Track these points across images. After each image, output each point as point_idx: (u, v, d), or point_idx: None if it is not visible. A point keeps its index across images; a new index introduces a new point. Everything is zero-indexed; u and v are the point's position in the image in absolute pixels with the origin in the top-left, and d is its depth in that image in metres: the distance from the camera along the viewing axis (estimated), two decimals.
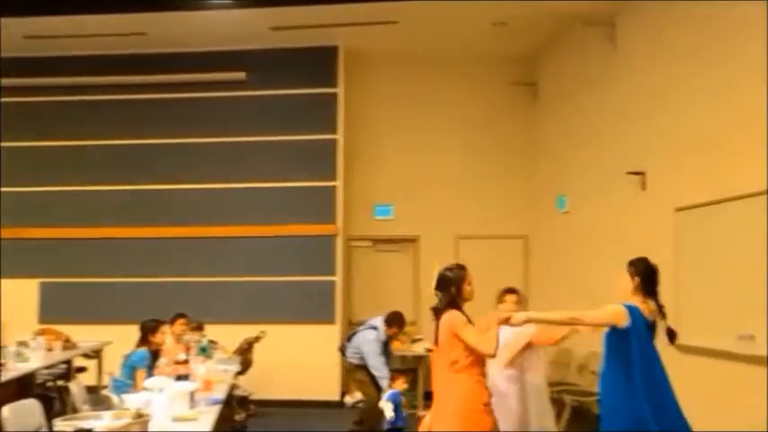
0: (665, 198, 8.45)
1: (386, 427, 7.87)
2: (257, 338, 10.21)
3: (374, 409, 8.60)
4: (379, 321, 8.74)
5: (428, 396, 10.80)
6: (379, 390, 8.45)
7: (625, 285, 5.54)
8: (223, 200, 11.46)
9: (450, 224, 12.15)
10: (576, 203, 10.80)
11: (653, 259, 8.51)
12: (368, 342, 8.62)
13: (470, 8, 9.91)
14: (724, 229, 7.44)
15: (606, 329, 5.40)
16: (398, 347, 10.76)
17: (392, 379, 8.22)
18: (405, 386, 8.16)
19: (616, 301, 5.45)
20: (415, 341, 11.10)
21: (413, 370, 11.15)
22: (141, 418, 4.21)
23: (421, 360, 10.95)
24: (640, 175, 8.97)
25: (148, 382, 5.58)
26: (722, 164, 7.51)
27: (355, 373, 8.83)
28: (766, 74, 6.79)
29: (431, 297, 11.81)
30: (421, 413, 10.52)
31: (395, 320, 8.75)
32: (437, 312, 5.45)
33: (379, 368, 8.46)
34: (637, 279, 5.53)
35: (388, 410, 7.87)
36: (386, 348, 8.79)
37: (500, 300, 7.41)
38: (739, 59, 7.26)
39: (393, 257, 12.38)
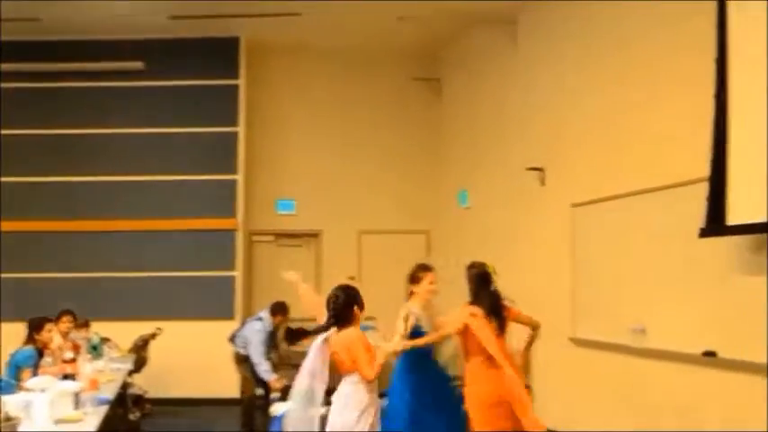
0: (563, 194, 8.58)
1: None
2: (153, 336, 9.93)
3: (249, 407, 8.53)
4: (264, 312, 8.69)
5: (329, 393, 10.77)
6: (260, 386, 8.59)
7: None
8: (120, 192, 11.10)
9: (353, 219, 12.08)
10: (477, 199, 10.86)
11: (552, 254, 8.69)
12: (253, 332, 8.64)
13: (375, 2, 9.84)
14: (618, 225, 7.58)
15: None
16: (305, 344, 10.65)
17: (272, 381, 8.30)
18: (280, 385, 8.11)
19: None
20: None
21: None
22: (10, 421, 3.97)
23: None
24: (539, 171, 9.08)
25: (30, 383, 5.35)
26: (617, 161, 7.65)
27: (240, 365, 8.76)
28: (655, 70, 6.95)
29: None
30: (323, 410, 10.46)
31: (278, 309, 8.75)
32: None
33: (257, 358, 8.46)
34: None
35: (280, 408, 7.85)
36: (272, 339, 8.77)
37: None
38: (633, 57, 7.41)
39: (295, 252, 12.24)
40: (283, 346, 9.83)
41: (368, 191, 12.14)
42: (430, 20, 10.65)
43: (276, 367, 8.60)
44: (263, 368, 8.42)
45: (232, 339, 8.90)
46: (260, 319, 8.70)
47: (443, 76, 12.20)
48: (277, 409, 7.84)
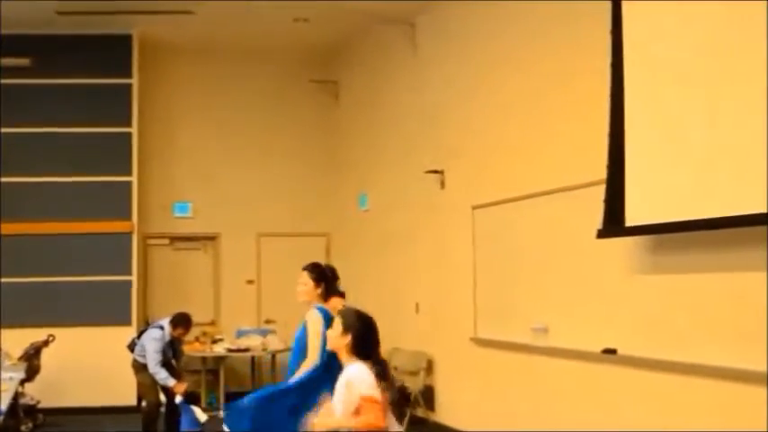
0: (463, 196, 8.69)
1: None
2: (46, 343, 9.58)
3: (152, 413, 8.36)
4: (166, 321, 8.52)
5: (230, 397, 10.63)
6: (161, 393, 8.38)
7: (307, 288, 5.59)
8: (10, 194, 10.59)
9: (252, 222, 11.95)
10: (377, 202, 10.91)
11: (453, 256, 8.79)
12: (150, 340, 8.39)
13: (270, 2, 9.73)
14: (518, 226, 7.73)
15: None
16: (199, 348, 10.50)
17: (175, 386, 8.16)
18: (183, 389, 8.14)
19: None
20: (215, 341, 10.84)
21: (214, 371, 10.90)
22: None
23: (222, 360, 10.71)
24: (439, 174, 9.17)
25: None
26: (517, 163, 7.80)
27: (138, 373, 8.57)
28: (552, 74, 7.11)
29: (231, 297, 11.63)
30: (222, 414, 10.32)
31: (180, 321, 8.51)
32: None
33: (153, 367, 8.25)
34: (321, 285, 5.60)
35: (200, 415, 7.86)
36: (172, 348, 8.58)
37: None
38: (530, 60, 7.57)
39: (193, 256, 12.02)
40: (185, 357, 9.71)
41: (266, 194, 12.03)
42: (326, 21, 10.61)
43: (178, 375, 8.41)
44: (162, 376, 8.24)
45: (131, 347, 8.66)
46: (161, 327, 8.48)
47: (341, 78, 12.19)
48: (202, 416, 7.80)
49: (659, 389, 5.93)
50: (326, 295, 5.65)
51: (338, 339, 4.22)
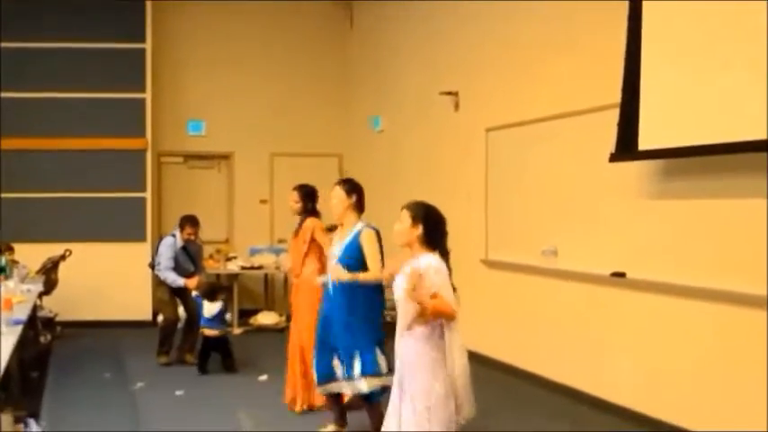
0: (477, 118, 8.67)
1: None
2: (63, 257, 9.75)
3: (169, 328, 8.52)
4: (176, 229, 8.70)
5: (243, 314, 10.83)
6: (179, 309, 8.60)
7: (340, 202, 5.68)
8: (23, 110, 10.65)
9: (265, 141, 11.97)
10: (390, 123, 10.89)
11: (466, 178, 8.82)
12: (163, 247, 8.60)
13: None
14: (531, 149, 7.73)
15: None
16: (213, 266, 10.63)
17: (186, 284, 8.33)
18: (195, 284, 8.33)
19: None
20: (229, 259, 10.98)
21: (228, 288, 11.06)
22: None
23: (235, 278, 10.87)
24: (453, 96, 9.13)
25: None
26: (531, 86, 7.76)
27: (157, 288, 8.74)
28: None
29: (244, 215, 11.74)
30: (236, 331, 10.53)
31: (184, 221, 8.65)
32: None
33: (164, 272, 8.45)
34: (354, 196, 5.70)
35: (210, 332, 8.05)
36: (188, 255, 8.69)
37: None
38: None
39: (206, 174, 12.09)
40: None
41: (280, 113, 12.02)
42: None
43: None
44: (171, 278, 8.42)
45: (152, 266, 8.80)
46: (173, 235, 8.63)
47: None
48: (210, 309, 7.93)
49: (667, 312, 6.01)
50: (360, 208, 5.73)
51: (408, 231, 4.22)
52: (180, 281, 8.40)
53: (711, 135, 5.31)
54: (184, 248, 8.63)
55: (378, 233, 5.58)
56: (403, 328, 4.21)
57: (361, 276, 5.38)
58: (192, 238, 8.66)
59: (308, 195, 6.69)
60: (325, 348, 5.59)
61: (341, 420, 5.84)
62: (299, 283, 6.68)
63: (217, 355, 8.15)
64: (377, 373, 5.38)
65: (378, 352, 5.44)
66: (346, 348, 5.46)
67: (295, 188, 6.75)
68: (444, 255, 4.24)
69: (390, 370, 5.02)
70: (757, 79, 4.98)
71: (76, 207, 10.71)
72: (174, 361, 8.46)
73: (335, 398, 5.74)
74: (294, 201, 6.67)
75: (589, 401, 6.77)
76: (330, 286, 5.61)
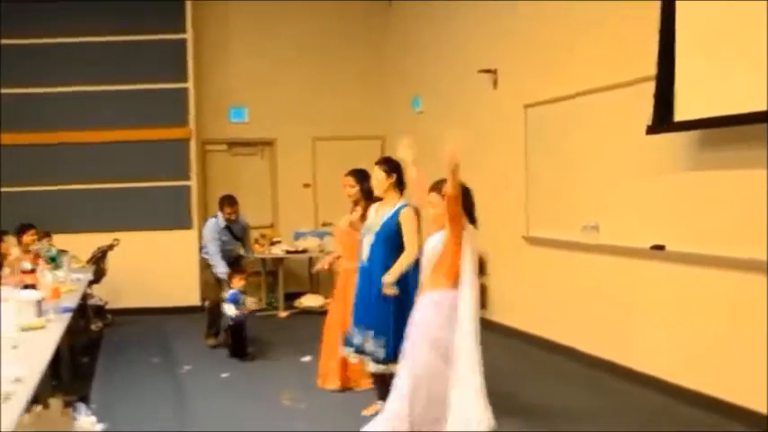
0: (515, 95, 8.63)
1: (229, 323, 8.09)
2: (111, 247, 9.95)
3: (213, 311, 8.65)
4: (218, 210, 8.85)
5: (288, 297, 10.95)
6: (221, 290, 8.56)
7: (381, 182, 5.70)
8: (73, 104, 10.87)
9: (307, 126, 12.03)
10: (430, 103, 10.88)
11: (506, 155, 8.79)
12: (206, 229, 8.76)
13: None
14: (569, 125, 7.68)
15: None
16: (258, 250, 10.75)
17: (230, 278, 8.26)
18: (242, 284, 8.20)
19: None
20: (273, 244, 11.10)
21: (273, 273, 11.20)
22: None
23: (280, 262, 10.98)
24: (491, 74, 9.10)
25: None
26: (567, 61, 7.70)
27: (203, 271, 8.88)
28: None
29: (288, 200, 11.84)
30: (282, 314, 10.66)
31: (222, 201, 8.82)
32: None
33: (211, 257, 8.58)
34: (393, 176, 5.70)
35: (230, 310, 7.99)
36: (230, 233, 8.82)
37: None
38: None
39: (249, 161, 12.20)
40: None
41: (321, 98, 12.06)
42: None
43: (242, 270, 8.60)
44: (220, 269, 8.51)
45: (201, 249, 8.98)
46: (215, 217, 8.79)
47: None
48: (227, 310, 7.99)
49: (706, 284, 5.95)
50: (401, 186, 5.75)
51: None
52: (223, 272, 8.48)
53: (747, 104, 5.24)
54: (228, 228, 8.77)
55: (417, 212, 5.61)
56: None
57: (402, 267, 5.39)
58: (233, 217, 8.76)
59: (366, 179, 6.48)
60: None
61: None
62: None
63: (262, 339, 8.26)
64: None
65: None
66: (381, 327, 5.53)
67: (349, 173, 6.57)
68: (473, 223, 4.47)
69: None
70: None
71: (124, 197, 10.91)
72: (222, 343, 8.59)
73: (383, 376, 5.69)
74: (350, 185, 6.51)
75: (630, 376, 6.75)
76: (368, 262, 5.68)
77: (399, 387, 4.67)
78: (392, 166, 5.77)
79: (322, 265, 7.41)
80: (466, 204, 4.51)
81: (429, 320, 4.42)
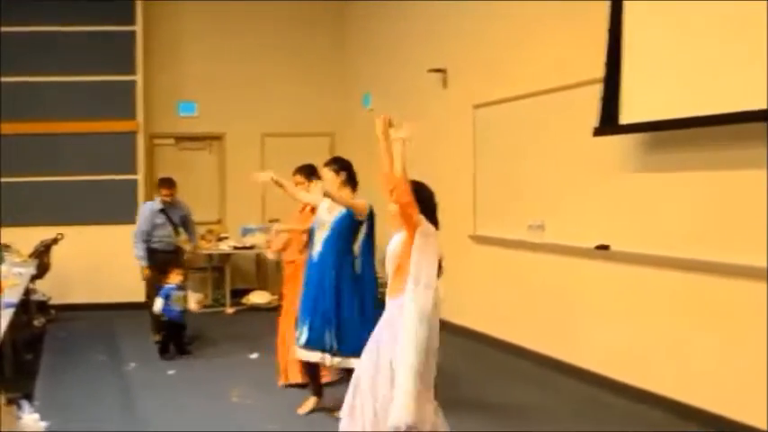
0: (464, 95, 8.70)
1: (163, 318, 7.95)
2: (55, 241, 9.80)
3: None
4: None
5: (235, 294, 10.89)
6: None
7: (331, 182, 5.72)
8: (17, 94, 10.63)
9: (257, 122, 11.96)
10: (381, 101, 10.91)
11: (455, 155, 8.85)
12: (140, 210, 8.81)
13: None
14: (518, 125, 7.77)
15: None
16: (205, 246, 10.68)
17: (168, 272, 8.11)
18: (179, 279, 8.00)
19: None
20: (221, 239, 11.03)
21: (219, 268, 11.13)
22: None
23: (227, 258, 10.92)
24: (441, 73, 9.16)
25: None
26: (517, 63, 7.79)
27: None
28: None
29: (236, 196, 11.75)
30: (229, 311, 10.60)
31: (160, 183, 8.80)
32: None
33: (136, 233, 8.57)
34: (343, 174, 5.76)
35: (157, 305, 7.87)
36: (167, 217, 8.68)
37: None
38: None
39: (198, 156, 12.10)
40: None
41: (271, 94, 12.01)
42: None
43: (178, 259, 8.56)
44: (137, 249, 8.49)
45: None
46: (152, 201, 8.81)
47: None
48: (155, 305, 7.85)
49: (649, 283, 6.08)
50: (353, 183, 5.82)
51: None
52: (142, 261, 8.45)
53: (691, 108, 5.37)
54: (164, 212, 8.66)
55: (371, 207, 5.69)
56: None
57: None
58: (169, 199, 8.66)
59: (312, 174, 6.67)
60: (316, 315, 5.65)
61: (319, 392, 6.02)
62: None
63: (208, 336, 8.20)
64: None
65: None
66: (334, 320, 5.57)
67: (297, 170, 6.75)
68: (435, 226, 4.35)
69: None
70: (736, 53, 5.03)
71: (68, 190, 10.72)
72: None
73: (315, 369, 5.88)
74: (299, 182, 6.65)
75: (575, 373, 6.86)
76: (318, 255, 5.73)
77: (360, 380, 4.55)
78: (341, 165, 5.82)
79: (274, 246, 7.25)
80: (428, 207, 4.41)
81: (385, 337, 4.32)
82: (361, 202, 5.68)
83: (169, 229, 8.67)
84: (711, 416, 5.48)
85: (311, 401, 5.98)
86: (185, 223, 8.94)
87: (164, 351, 7.89)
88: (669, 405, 5.84)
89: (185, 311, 8.04)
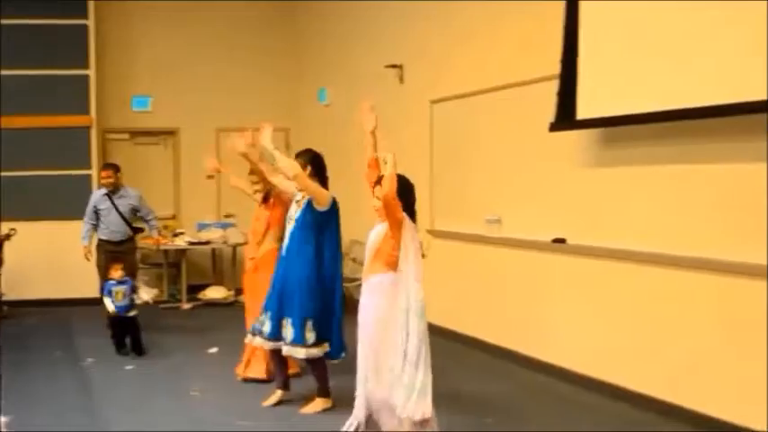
0: (421, 90, 8.78)
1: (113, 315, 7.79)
2: (8, 236, 9.68)
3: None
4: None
5: (191, 289, 10.84)
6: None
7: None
8: None
9: (211, 117, 11.90)
10: (337, 96, 10.95)
11: (412, 149, 8.92)
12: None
13: None
14: (474, 121, 7.87)
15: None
16: (161, 241, 10.59)
17: (108, 269, 8.03)
18: (119, 273, 7.75)
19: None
20: (176, 235, 10.98)
21: (175, 264, 11.07)
22: None
23: (183, 254, 10.87)
24: (398, 69, 9.22)
25: None
26: (473, 59, 7.88)
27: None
28: None
29: (191, 191, 11.68)
30: (185, 306, 10.56)
31: (102, 167, 9.07)
32: None
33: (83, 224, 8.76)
34: (309, 168, 5.77)
35: (108, 304, 7.69)
36: (111, 204, 8.75)
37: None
38: None
39: (152, 150, 12.02)
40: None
41: (226, 89, 11.97)
42: None
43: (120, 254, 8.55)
44: (82, 232, 8.74)
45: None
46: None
47: None
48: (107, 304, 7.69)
49: (606, 276, 6.22)
50: (321, 175, 5.84)
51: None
52: (83, 241, 8.70)
53: (645, 104, 5.50)
54: (109, 199, 8.72)
55: (334, 199, 5.74)
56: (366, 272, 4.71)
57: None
58: (107, 182, 8.75)
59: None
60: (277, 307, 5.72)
61: (286, 385, 6.05)
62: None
63: (166, 331, 8.15)
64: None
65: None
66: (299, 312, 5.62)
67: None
68: (412, 217, 4.69)
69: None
70: (692, 47, 5.17)
71: (21, 185, 10.56)
72: None
73: (281, 360, 5.90)
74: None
75: (533, 364, 6.98)
76: (285, 250, 5.77)
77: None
78: (307, 158, 5.84)
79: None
80: (407, 200, 4.66)
81: (373, 302, 4.60)
82: (323, 191, 5.70)
83: (115, 217, 8.69)
84: (668, 406, 5.63)
85: (277, 394, 6.00)
86: (137, 211, 8.95)
87: (119, 347, 7.77)
88: (627, 396, 5.98)
89: (132, 307, 7.73)
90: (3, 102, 10.56)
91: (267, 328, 5.73)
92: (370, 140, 5.35)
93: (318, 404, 5.83)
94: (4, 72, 10.59)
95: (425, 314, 4.57)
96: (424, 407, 4.40)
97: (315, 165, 5.83)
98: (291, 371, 6.31)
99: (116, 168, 8.83)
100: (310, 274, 5.63)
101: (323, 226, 5.70)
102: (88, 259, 8.81)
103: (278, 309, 5.70)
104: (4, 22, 10.61)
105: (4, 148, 10.57)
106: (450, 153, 8.30)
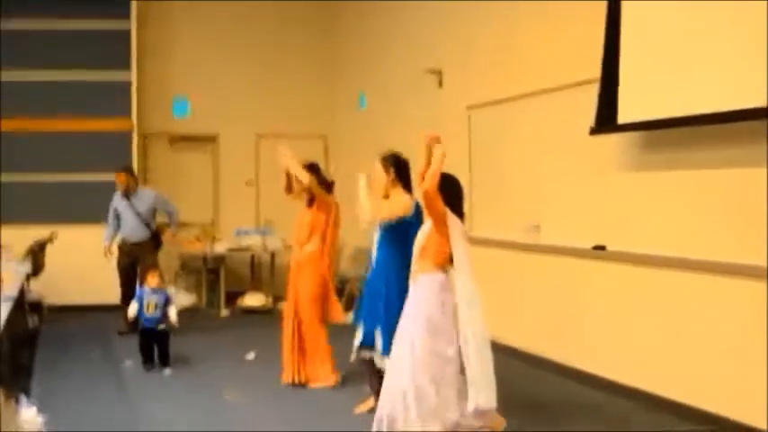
0: (460, 95, 8.72)
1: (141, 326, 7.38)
2: (49, 240, 9.76)
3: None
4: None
5: (229, 296, 10.84)
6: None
7: (380, 179, 5.60)
8: (10, 91, 10.59)
9: (251, 123, 11.97)
10: (375, 101, 10.93)
11: (450, 155, 8.84)
12: None
13: None
14: (513, 126, 7.80)
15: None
16: (199, 248, 10.66)
17: (142, 275, 8.04)
18: (156, 281, 7.34)
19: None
20: (215, 241, 11.00)
21: (214, 271, 11.06)
22: None
23: (221, 260, 10.89)
24: (437, 74, 9.18)
25: None
26: (512, 63, 7.81)
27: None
28: None
29: (230, 197, 11.73)
30: (223, 313, 10.57)
31: (122, 169, 9.19)
32: None
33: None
34: (392, 171, 5.60)
35: (131, 310, 7.31)
36: (128, 204, 9.00)
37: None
38: None
39: (192, 156, 12.08)
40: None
41: (265, 95, 12.02)
42: None
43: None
44: (104, 235, 9.04)
45: None
46: None
47: None
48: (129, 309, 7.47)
49: (646, 283, 6.10)
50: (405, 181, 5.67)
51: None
52: (104, 242, 9.00)
53: (688, 107, 5.39)
54: (127, 199, 8.97)
55: (418, 204, 5.45)
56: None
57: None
58: (121, 187, 9.00)
59: (311, 169, 6.73)
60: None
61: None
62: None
63: (203, 338, 8.12)
64: None
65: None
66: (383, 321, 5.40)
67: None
68: (460, 217, 4.75)
69: None
70: (734, 51, 5.06)
71: (62, 189, 10.68)
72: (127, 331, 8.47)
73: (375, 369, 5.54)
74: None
75: (573, 375, 6.86)
76: (374, 261, 5.59)
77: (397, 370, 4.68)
78: (391, 161, 5.65)
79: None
80: (452, 197, 4.75)
81: (421, 299, 4.64)
82: (397, 206, 5.49)
83: (131, 218, 8.94)
84: (711, 416, 5.49)
85: (370, 401, 5.74)
86: (154, 211, 9.21)
87: (145, 360, 7.30)
88: (667, 406, 5.85)
89: (163, 320, 7.25)
90: (46, 105, 10.69)
91: (359, 337, 5.53)
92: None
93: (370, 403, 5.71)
94: (48, 76, 10.72)
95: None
96: (482, 399, 4.51)
97: (398, 168, 5.63)
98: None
99: (129, 171, 9.19)
100: (393, 283, 5.35)
101: (409, 231, 5.26)
102: (107, 257, 9.10)
103: (370, 319, 5.49)
104: (49, 26, 10.75)
105: (46, 152, 10.69)
106: (489, 159, 8.22)
